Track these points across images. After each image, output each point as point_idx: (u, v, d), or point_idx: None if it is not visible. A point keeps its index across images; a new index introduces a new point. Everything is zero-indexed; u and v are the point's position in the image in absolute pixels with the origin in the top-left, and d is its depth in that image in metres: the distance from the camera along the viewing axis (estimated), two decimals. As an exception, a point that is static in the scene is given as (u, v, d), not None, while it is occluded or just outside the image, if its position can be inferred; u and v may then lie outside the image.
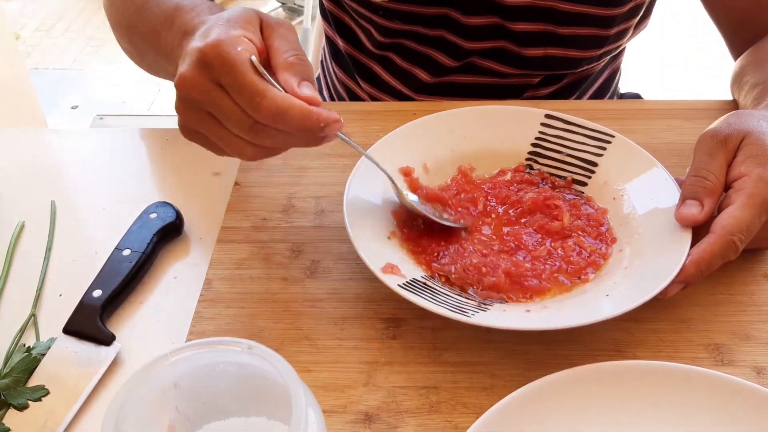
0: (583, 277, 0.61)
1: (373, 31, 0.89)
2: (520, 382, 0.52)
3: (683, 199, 0.61)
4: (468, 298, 0.58)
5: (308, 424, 0.40)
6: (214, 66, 0.53)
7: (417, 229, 0.65)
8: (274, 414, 0.46)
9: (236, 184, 0.73)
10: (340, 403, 0.54)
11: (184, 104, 0.56)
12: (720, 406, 0.51)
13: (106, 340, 0.59)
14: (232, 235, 0.67)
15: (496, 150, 0.73)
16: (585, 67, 0.91)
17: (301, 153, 0.75)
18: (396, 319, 0.60)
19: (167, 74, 0.73)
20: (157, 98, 2.76)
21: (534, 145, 0.73)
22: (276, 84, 0.54)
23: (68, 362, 0.58)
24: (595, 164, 0.71)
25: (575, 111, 0.75)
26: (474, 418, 0.50)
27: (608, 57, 0.91)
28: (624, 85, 1.09)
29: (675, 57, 2.79)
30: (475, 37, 0.86)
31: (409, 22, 0.86)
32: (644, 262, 0.60)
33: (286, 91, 0.54)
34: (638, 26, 0.91)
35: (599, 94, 1.00)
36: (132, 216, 0.68)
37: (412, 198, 0.65)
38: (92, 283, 0.62)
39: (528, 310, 0.57)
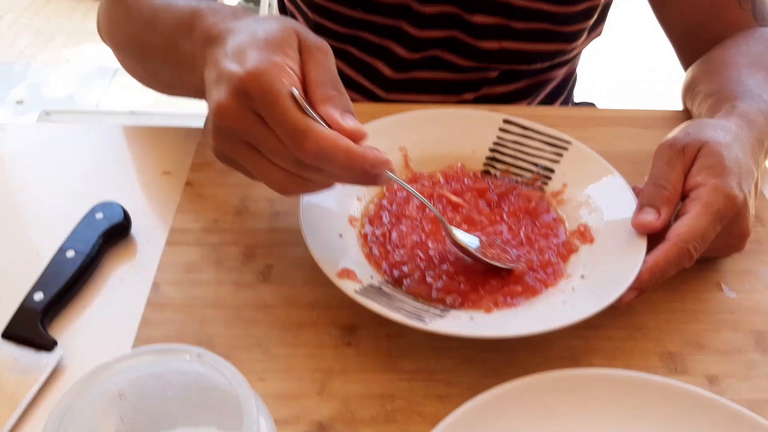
0: (540, 285, 0.60)
1: (328, 23, 0.88)
2: (476, 390, 0.52)
3: (641, 207, 0.61)
4: (425, 304, 0.57)
5: (260, 436, 0.38)
6: (255, 98, 0.50)
7: (379, 235, 0.64)
8: (224, 424, 0.44)
9: (187, 183, 0.71)
10: (293, 413, 0.52)
11: (221, 133, 0.54)
12: (674, 414, 0.51)
13: (48, 345, 0.56)
14: (182, 237, 0.65)
15: (453, 155, 0.72)
16: (540, 65, 0.91)
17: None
18: (351, 326, 0.58)
19: (188, 88, 0.69)
20: (106, 95, 2.69)
21: (492, 150, 0.73)
22: (318, 118, 0.50)
23: (7, 369, 0.55)
24: (551, 170, 0.71)
25: (532, 117, 0.75)
26: (429, 427, 0.49)
27: (564, 57, 0.92)
28: (578, 94, 1.10)
29: (628, 66, 2.85)
30: (430, 26, 0.86)
31: (370, 11, 0.86)
32: (601, 269, 0.60)
33: (328, 124, 0.51)
34: (593, 31, 0.92)
35: (553, 97, 1.00)
36: (77, 215, 0.65)
37: (466, 239, 0.62)
38: (33, 285, 0.59)
39: (485, 317, 0.56)
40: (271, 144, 0.51)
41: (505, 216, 0.66)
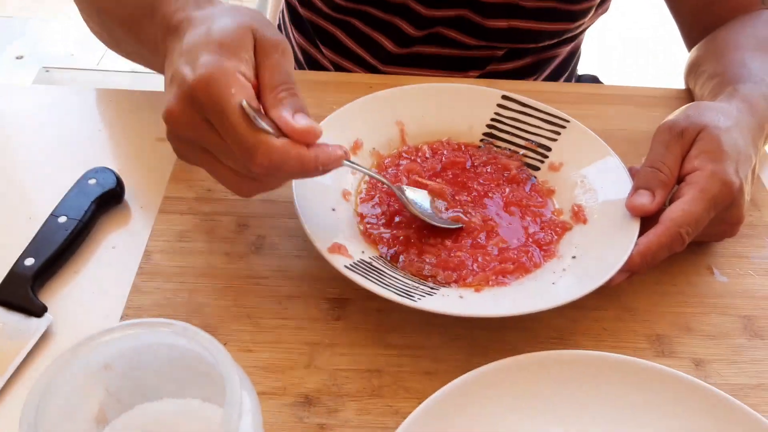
0: (533, 262, 0.60)
1: None
2: (464, 367, 0.52)
3: (635, 189, 0.61)
4: (416, 281, 0.57)
5: (243, 410, 0.38)
6: (204, 107, 0.49)
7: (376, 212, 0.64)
8: (209, 397, 0.45)
9: (182, 151, 0.71)
10: (279, 385, 0.53)
11: (174, 137, 0.54)
12: (658, 397, 0.52)
13: (37, 311, 0.56)
14: (175, 205, 0.65)
15: (450, 130, 0.72)
16: (547, 42, 0.90)
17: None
18: (341, 300, 0.59)
19: (149, 64, 0.68)
20: (107, 54, 2.66)
21: (489, 126, 0.72)
22: (268, 127, 0.50)
23: (-5, 333, 0.55)
24: (548, 149, 0.70)
25: (533, 92, 0.74)
26: (416, 403, 0.49)
27: (570, 34, 0.91)
28: (582, 66, 1.08)
29: (633, 42, 2.81)
30: (439, 4, 0.85)
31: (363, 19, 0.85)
32: (592, 250, 0.60)
33: (280, 127, 0.50)
34: (599, 8, 0.90)
35: (557, 74, 0.99)
36: (70, 181, 0.65)
37: (419, 204, 0.63)
38: (24, 250, 0.59)
39: (475, 296, 0.57)
40: (223, 151, 0.51)
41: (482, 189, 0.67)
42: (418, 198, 0.63)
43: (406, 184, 0.66)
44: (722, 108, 0.64)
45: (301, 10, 0.94)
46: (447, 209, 0.64)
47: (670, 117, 0.64)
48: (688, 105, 0.66)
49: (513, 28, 0.86)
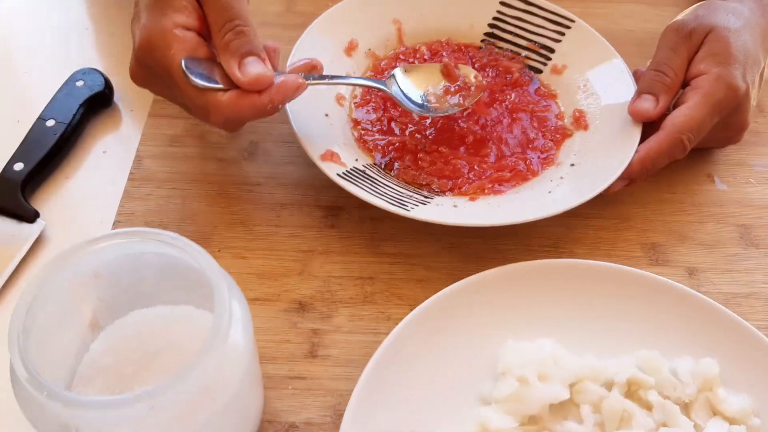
0: (530, 170, 0.59)
1: None
2: (456, 275, 0.52)
3: (639, 93, 0.59)
4: (410, 189, 0.57)
5: (232, 319, 0.39)
6: (152, 69, 0.50)
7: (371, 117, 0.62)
8: (202, 304, 0.45)
9: (172, 52, 0.68)
10: (273, 291, 0.53)
11: (146, 88, 0.55)
12: (649, 306, 0.52)
13: (29, 216, 0.56)
14: (166, 108, 0.63)
15: (450, 29, 0.69)
16: None
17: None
18: (335, 208, 0.58)
19: None
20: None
21: (491, 26, 0.69)
22: (213, 84, 0.49)
23: (-12, 239, 0.55)
24: (552, 50, 0.67)
25: (536, -11, 0.71)
26: (408, 309, 0.50)
27: None
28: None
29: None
30: None
31: None
32: (591, 158, 0.59)
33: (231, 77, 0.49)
34: None
35: None
36: (57, 82, 0.63)
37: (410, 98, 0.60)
38: (13, 155, 0.58)
39: (469, 204, 0.56)
40: (184, 105, 0.53)
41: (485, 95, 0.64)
42: (410, 91, 0.60)
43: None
44: (733, 8, 0.61)
45: None
46: (447, 94, 0.61)
47: (679, 17, 0.61)
48: (698, 4, 0.63)
49: None
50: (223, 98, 0.49)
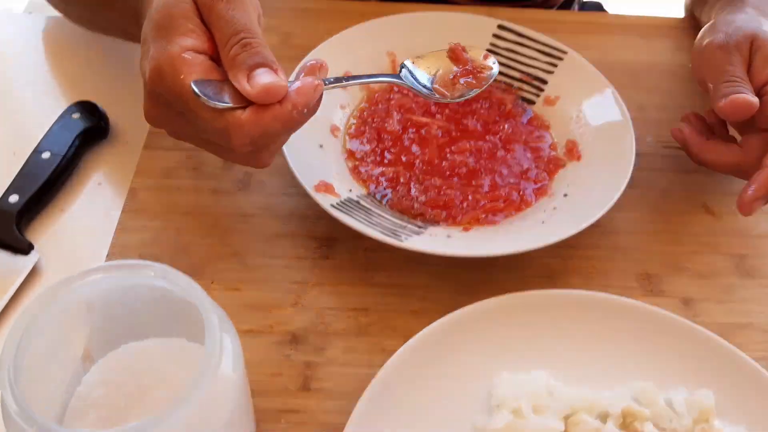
0: (524, 200, 0.59)
1: None
2: (451, 306, 0.52)
3: (723, 96, 0.56)
4: (404, 219, 0.57)
5: (223, 352, 0.38)
6: (167, 100, 0.47)
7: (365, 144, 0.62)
8: (194, 336, 0.45)
9: (168, 84, 0.69)
10: (267, 323, 0.53)
11: (164, 129, 0.52)
12: (645, 336, 0.52)
13: (24, 248, 0.56)
14: (161, 140, 0.63)
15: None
16: None
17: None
18: (329, 239, 0.58)
19: (129, 36, 0.64)
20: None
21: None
22: (228, 103, 0.46)
23: (-18, 271, 0.55)
24: (545, 81, 0.68)
25: (532, 21, 0.72)
26: (402, 341, 0.49)
27: None
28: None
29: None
30: None
31: None
32: (585, 188, 0.59)
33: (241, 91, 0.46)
34: None
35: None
36: (54, 115, 0.64)
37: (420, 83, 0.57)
38: (8, 187, 0.58)
39: (462, 235, 0.56)
40: (206, 137, 0.49)
41: (478, 126, 0.65)
42: (422, 78, 0.57)
43: (397, 122, 0.64)
44: (744, 18, 0.62)
45: None
46: (456, 79, 0.58)
47: (708, 39, 0.60)
48: (708, 26, 0.63)
49: None
50: (243, 116, 0.45)
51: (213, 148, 0.50)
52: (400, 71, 0.57)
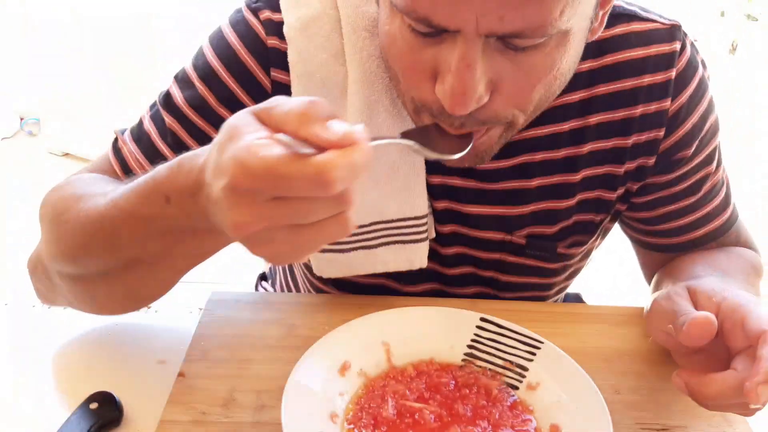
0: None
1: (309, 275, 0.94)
2: None
3: (682, 324, 0.64)
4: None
5: None
6: (258, 186, 0.47)
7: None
8: None
9: (180, 374, 0.75)
10: None
11: (254, 241, 0.50)
12: None
13: None
14: (171, 429, 0.68)
15: (433, 350, 0.77)
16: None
17: (247, 345, 0.78)
18: None
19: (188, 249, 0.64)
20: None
21: (470, 346, 0.77)
22: (311, 149, 0.47)
23: None
24: (525, 369, 0.74)
25: (511, 311, 0.80)
26: None
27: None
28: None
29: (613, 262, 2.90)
30: (413, 282, 0.90)
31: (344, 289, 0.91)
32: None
33: (320, 144, 0.47)
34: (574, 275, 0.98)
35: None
36: (73, 404, 0.68)
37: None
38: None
39: None
40: (298, 209, 0.48)
41: (468, 411, 0.69)
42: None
43: (392, 407, 0.69)
44: (691, 284, 0.71)
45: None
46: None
47: (651, 300, 0.71)
48: (662, 295, 0.73)
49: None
50: (330, 155, 0.46)
51: (303, 214, 0.49)
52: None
